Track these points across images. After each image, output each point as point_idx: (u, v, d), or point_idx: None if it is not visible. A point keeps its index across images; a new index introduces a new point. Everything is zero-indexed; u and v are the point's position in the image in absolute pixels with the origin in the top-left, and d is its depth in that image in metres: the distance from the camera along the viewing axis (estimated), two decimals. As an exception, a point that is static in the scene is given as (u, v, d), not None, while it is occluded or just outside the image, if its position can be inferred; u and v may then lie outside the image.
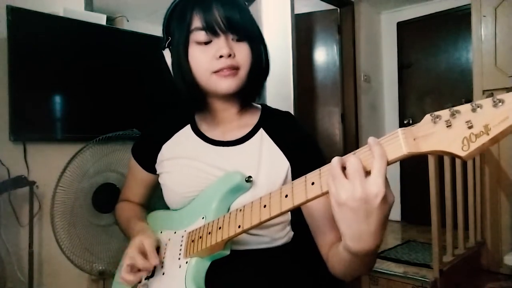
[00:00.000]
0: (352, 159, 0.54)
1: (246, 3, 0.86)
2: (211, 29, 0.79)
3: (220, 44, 0.79)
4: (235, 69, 0.81)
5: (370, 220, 0.54)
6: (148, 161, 0.97)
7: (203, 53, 0.81)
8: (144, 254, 0.80)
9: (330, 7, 3.69)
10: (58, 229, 1.54)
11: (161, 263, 0.85)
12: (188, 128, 0.94)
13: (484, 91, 2.79)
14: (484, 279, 2.61)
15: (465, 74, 3.50)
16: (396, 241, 3.25)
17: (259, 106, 0.96)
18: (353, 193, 0.53)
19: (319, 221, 0.83)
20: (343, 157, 0.57)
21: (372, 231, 0.55)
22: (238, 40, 0.81)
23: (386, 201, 0.53)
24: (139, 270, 0.80)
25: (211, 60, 0.80)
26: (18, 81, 1.67)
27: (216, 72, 0.80)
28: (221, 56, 0.79)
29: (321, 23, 3.75)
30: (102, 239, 1.65)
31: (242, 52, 0.81)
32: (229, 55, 0.79)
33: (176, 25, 0.83)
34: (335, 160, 0.56)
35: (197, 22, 0.80)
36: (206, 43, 0.81)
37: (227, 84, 0.81)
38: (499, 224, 2.74)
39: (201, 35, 0.80)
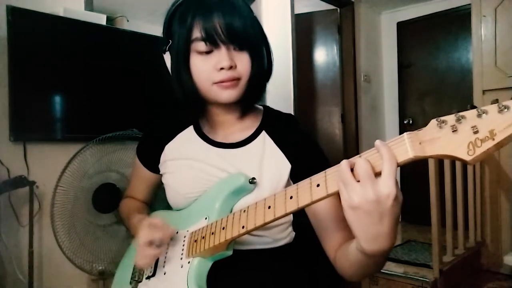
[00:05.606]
0: (361, 162, 0.55)
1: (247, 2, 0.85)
2: (211, 40, 0.77)
3: (221, 56, 0.78)
4: (236, 79, 0.80)
5: (384, 221, 0.55)
6: (151, 161, 0.98)
7: (203, 63, 0.80)
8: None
9: (330, 7, 3.69)
10: (58, 229, 1.55)
11: (163, 262, 0.85)
12: (190, 129, 0.94)
13: (484, 91, 2.80)
14: (484, 279, 2.62)
15: (465, 74, 3.50)
16: (396, 241, 3.25)
17: (261, 108, 0.96)
18: (365, 196, 0.54)
19: (324, 222, 0.82)
20: (350, 159, 0.57)
21: (386, 231, 0.56)
22: (239, 50, 0.80)
23: (397, 200, 0.54)
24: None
25: (211, 70, 0.79)
26: (18, 81, 1.67)
27: (216, 83, 0.80)
28: (222, 68, 0.78)
29: (321, 23, 3.75)
30: (102, 239, 1.65)
31: (243, 62, 0.80)
32: (230, 67, 0.78)
33: (177, 31, 0.81)
34: (344, 164, 0.56)
35: (197, 32, 0.78)
36: (207, 52, 0.79)
37: (227, 95, 0.81)
38: (499, 224, 2.74)
39: (202, 46, 0.78)
